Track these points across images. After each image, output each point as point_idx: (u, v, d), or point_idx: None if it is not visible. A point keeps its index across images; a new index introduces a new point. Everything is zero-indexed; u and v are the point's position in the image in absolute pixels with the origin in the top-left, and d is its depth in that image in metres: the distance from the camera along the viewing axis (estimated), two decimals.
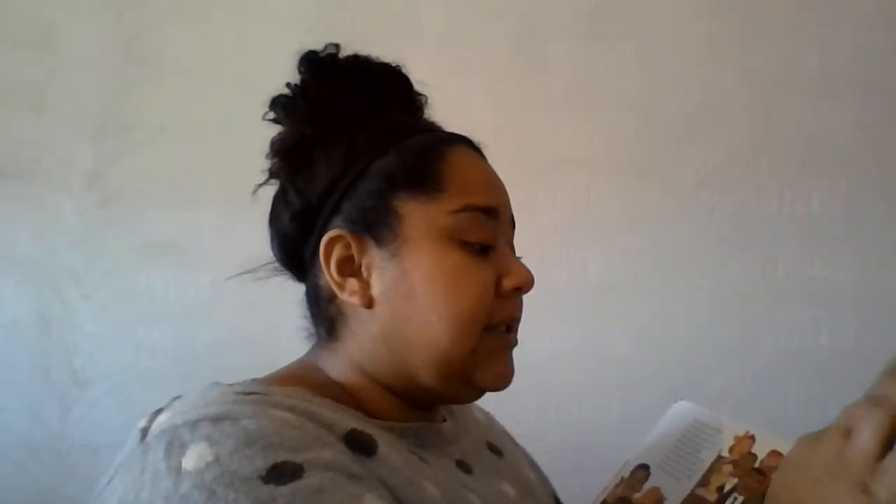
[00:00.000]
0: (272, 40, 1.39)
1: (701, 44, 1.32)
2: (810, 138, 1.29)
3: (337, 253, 0.55)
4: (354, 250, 0.55)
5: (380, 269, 0.55)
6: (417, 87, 0.63)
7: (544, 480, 0.72)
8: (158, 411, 0.48)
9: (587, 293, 1.31)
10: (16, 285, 1.43)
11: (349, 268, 0.55)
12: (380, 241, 0.55)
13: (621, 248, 1.31)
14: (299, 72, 0.59)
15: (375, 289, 0.55)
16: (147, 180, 1.41)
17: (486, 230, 0.56)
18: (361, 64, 0.60)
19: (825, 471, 0.41)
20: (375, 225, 0.55)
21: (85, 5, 1.44)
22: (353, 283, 0.55)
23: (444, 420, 0.62)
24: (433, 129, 0.61)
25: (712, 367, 1.27)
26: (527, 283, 0.57)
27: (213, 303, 1.38)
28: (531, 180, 1.32)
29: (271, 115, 0.60)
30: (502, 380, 0.58)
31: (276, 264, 0.62)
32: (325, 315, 0.58)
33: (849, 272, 1.27)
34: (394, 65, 0.61)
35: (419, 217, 0.55)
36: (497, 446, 0.67)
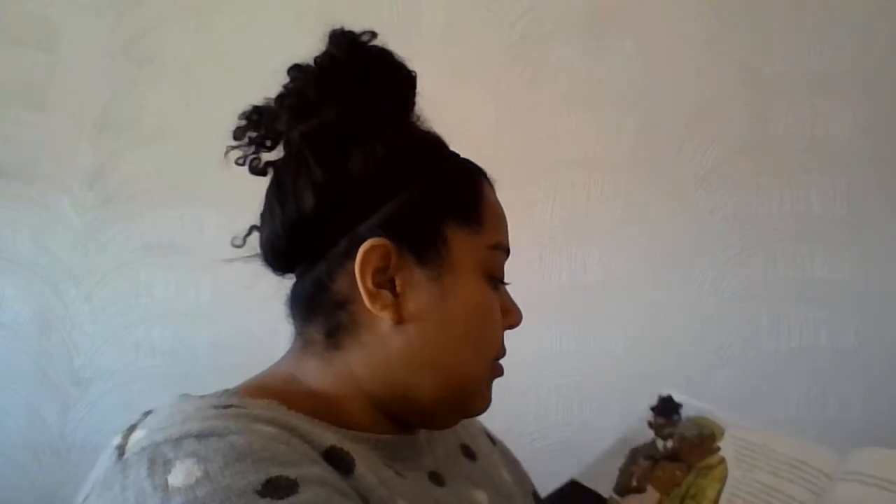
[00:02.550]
0: (272, 40, 1.39)
1: (701, 44, 1.32)
2: (810, 138, 1.29)
3: (375, 262, 0.53)
4: (393, 262, 0.53)
5: (417, 288, 0.54)
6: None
7: (521, 478, 0.72)
8: (132, 427, 0.47)
9: (587, 293, 1.31)
10: (16, 285, 1.43)
11: (380, 279, 0.53)
12: (422, 261, 0.54)
13: (621, 249, 1.31)
14: (335, 48, 0.57)
15: (409, 307, 0.53)
16: (147, 180, 1.41)
17: (502, 268, 0.59)
18: (391, 60, 0.59)
19: None
20: (422, 243, 0.54)
21: (85, 5, 1.45)
22: (387, 296, 0.53)
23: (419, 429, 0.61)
24: (457, 154, 0.61)
25: (712, 367, 1.27)
26: (520, 322, 0.61)
27: (213, 303, 1.38)
28: (531, 180, 1.32)
29: (289, 83, 0.57)
30: (486, 408, 0.60)
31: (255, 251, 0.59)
32: (329, 320, 0.55)
33: (849, 272, 1.27)
34: (412, 70, 0.60)
35: (463, 246, 0.55)
36: (472, 449, 0.66)
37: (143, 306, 1.40)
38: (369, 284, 0.53)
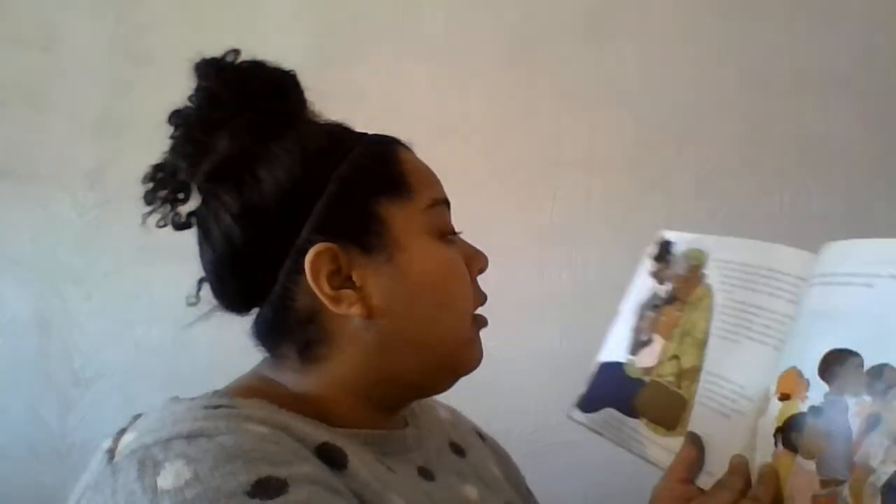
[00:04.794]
0: (272, 40, 1.39)
1: (701, 44, 1.32)
2: (810, 138, 1.29)
3: (325, 267, 0.52)
4: (343, 262, 0.53)
5: (375, 276, 0.54)
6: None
7: (511, 472, 0.72)
8: (122, 431, 0.47)
9: (587, 293, 1.31)
10: (16, 285, 1.43)
11: (337, 281, 0.53)
12: (369, 249, 0.54)
13: (621, 249, 1.31)
14: (204, 80, 0.56)
15: (375, 297, 0.54)
16: None
17: (449, 220, 0.59)
18: (265, 69, 0.58)
19: None
20: (361, 233, 0.54)
21: (85, 5, 1.45)
22: (349, 294, 0.53)
23: (407, 424, 0.61)
24: (365, 134, 0.60)
25: None
26: (487, 263, 0.60)
27: (214, 303, 1.37)
28: (531, 180, 1.32)
29: (175, 131, 0.57)
30: (480, 360, 0.59)
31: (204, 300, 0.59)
32: (299, 337, 0.55)
33: None
34: (289, 70, 0.59)
35: (401, 219, 0.55)
36: (460, 446, 0.67)
37: (143, 306, 1.39)
38: (327, 290, 0.52)
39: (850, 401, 0.49)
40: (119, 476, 0.43)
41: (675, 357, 0.65)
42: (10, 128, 1.43)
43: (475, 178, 1.30)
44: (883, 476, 0.45)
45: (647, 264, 0.72)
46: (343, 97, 1.50)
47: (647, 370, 0.67)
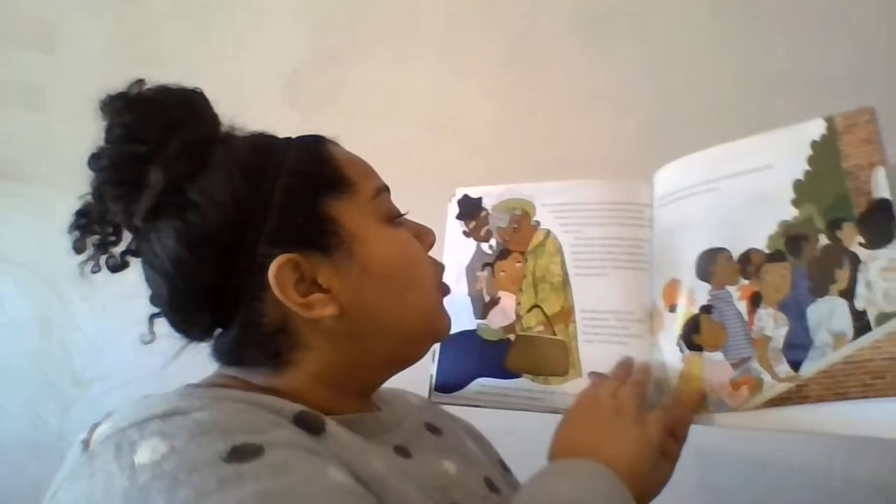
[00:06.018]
0: (272, 41, 1.39)
1: (701, 44, 1.32)
2: None
3: (289, 278, 0.52)
4: (305, 269, 0.53)
5: (340, 274, 0.54)
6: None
7: (487, 449, 0.73)
8: (97, 424, 0.47)
9: None
10: (16, 285, 1.43)
11: (303, 288, 0.53)
12: (328, 250, 0.54)
13: None
14: (116, 116, 0.56)
15: (343, 295, 0.54)
16: None
17: (392, 205, 0.60)
18: (173, 92, 0.59)
19: (608, 414, 0.57)
20: (316, 237, 0.54)
21: (85, 5, 1.45)
22: (319, 298, 0.53)
23: (380, 409, 0.62)
24: (289, 138, 0.60)
25: None
26: (434, 239, 0.63)
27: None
28: (531, 181, 1.32)
29: (98, 175, 0.57)
30: (450, 325, 0.63)
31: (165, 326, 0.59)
32: (269, 350, 0.55)
33: None
34: (196, 88, 0.59)
35: (351, 214, 0.56)
36: (436, 426, 0.67)
37: (143, 306, 1.39)
38: (297, 299, 0.52)
39: (732, 289, 0.58)
40: (96, 461, 0.43)
41: (536, 307, 0.66)
42: (10, 128, 1.43)
43: (474, 178, 1.30)
44: (779, 339, 0.55)
45: (455, 225, 0.72)
46: (343, 97, 1.51)
47: (507, 328, 0.68)
